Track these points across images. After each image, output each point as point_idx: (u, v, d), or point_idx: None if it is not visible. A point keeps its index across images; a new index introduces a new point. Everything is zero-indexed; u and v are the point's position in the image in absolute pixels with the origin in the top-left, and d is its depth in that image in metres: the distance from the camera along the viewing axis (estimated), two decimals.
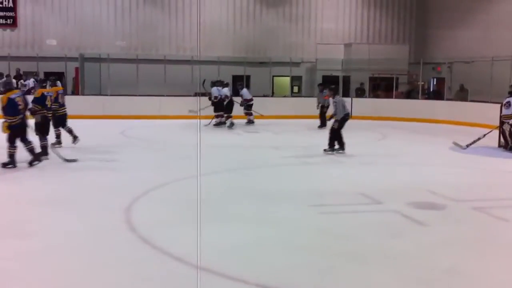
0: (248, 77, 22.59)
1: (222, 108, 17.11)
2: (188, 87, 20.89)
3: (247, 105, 18.08)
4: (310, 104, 18.17)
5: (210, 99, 17.04)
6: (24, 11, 22.02)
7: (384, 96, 22.39)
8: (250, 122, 18.14)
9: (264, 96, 22.42)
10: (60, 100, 11.67)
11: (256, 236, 5.54)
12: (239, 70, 22.83)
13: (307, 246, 5.23)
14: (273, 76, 23.49)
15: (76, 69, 21.85)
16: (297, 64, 23.73)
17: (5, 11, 21.75)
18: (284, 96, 22.92)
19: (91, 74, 21.75)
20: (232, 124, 16.78)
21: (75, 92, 21.73)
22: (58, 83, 13.09)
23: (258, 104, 18.23)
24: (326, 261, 4.82)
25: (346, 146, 11.10)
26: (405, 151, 12.36)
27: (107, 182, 8.22)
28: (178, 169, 9.31)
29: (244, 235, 5.54)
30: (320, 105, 17.02)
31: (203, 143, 13.25)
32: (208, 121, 17.22)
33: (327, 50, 22.88)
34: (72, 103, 19.50)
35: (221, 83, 17.52)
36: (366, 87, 23.27)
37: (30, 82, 20.40)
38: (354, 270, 4.64)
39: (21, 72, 20.69)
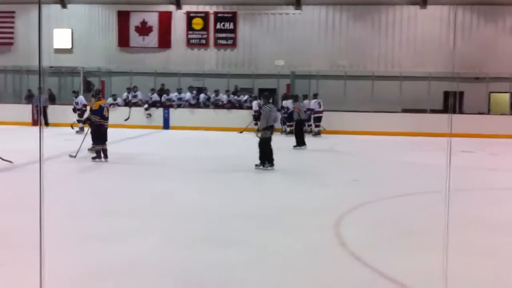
0: (461, 93, 21.35)
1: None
2: (395, 104, 20.54)
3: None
4: None
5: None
6: (243, 32, 23.80)
7: None
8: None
9: (480, 113, 20.98)
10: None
11: (485, 270, 4.95)
12: (451, 86, 21.69)
13: None
14: (489, 92, 21.81)
15: (287, 85, 22.89)
16: None
17: (228, 33, 23.76)
18: (502, 114, 21.12)
19: (301, 90, 22.58)
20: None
21: None
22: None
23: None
24: None
25: None
26: None
27: (315, 197, 8.36)
28: (384, 187, 9.12)
29: (469, 268, 4.88)
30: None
31: (401, 160, 12.84)
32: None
33: None
34: None
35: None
36: None
37: (255, 103, 21.89)
38: None
39: (238, 89, 22.34)
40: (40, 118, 19.77)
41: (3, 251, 5.11)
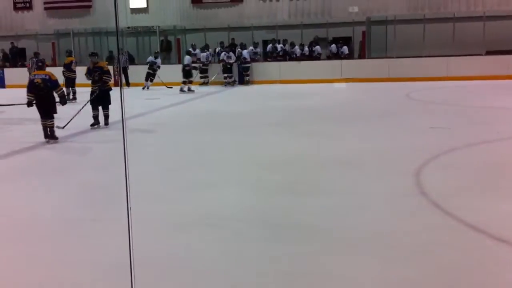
0: None
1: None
2: (479, 46, 19.46)
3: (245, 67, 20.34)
4: None
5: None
6: None
7: None
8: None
9: None
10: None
11: None
12: None
13: None
14: None
15: (363, 33, 22.19)
16: None
17: None
18: None
19: (377, 37, 21.85)
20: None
21: (361, 56, 22.17)
22: None
23: None
24: None
25: None
26: None
27: (395, 144, 8.21)
28: (470, 133, 8.79)
29: None
30: None
31: (486, 105, 12.23)
32: None
33: None
34: (358, 67, 20.23)
35: None
36: None
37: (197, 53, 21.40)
38: None
39: (316, 39, 21.86)
40: (120, 79, 20.43)
41: (98, 206, 5.44)
